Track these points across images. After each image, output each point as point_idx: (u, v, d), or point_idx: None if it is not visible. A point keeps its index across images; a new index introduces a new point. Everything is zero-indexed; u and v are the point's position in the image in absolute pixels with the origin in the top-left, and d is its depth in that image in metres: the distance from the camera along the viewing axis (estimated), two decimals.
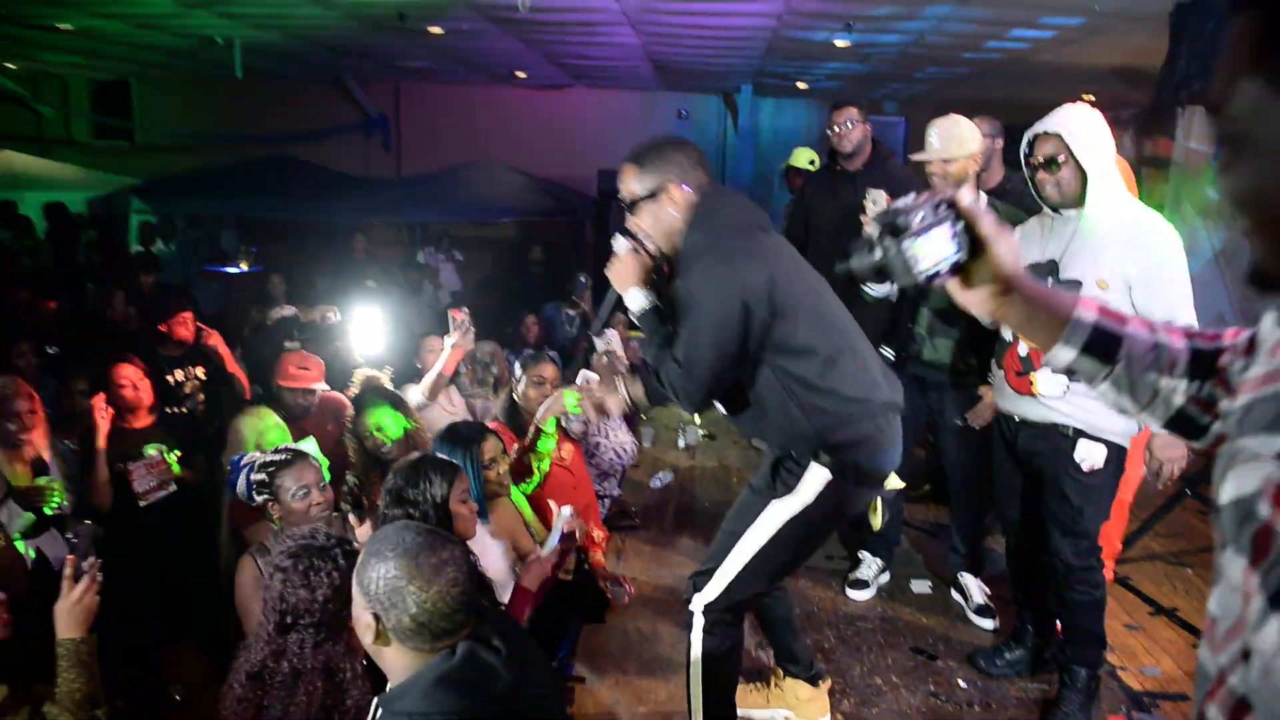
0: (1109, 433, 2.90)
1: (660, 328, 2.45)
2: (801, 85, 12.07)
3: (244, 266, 10.29)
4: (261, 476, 2.74)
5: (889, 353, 3.67)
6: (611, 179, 9.41)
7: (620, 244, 2.50)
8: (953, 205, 1.19)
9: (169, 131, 13.11)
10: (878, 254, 1.23)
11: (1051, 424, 2.96)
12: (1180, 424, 1.25)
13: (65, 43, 9.68)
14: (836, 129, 4.17)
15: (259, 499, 2.78)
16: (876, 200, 3.58)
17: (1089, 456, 2.90)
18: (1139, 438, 3.01)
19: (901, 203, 1.23)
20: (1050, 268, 2.94)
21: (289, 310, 5.82)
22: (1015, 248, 1.24)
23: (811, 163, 6.81)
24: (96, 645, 2.22)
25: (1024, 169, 2.97)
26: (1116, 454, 2.93)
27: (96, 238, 11.35)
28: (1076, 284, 2.84)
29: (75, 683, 2.13)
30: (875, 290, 3.56)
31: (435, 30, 8.12)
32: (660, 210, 2.42)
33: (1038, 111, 3.02)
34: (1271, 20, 0.80)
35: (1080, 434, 2.92)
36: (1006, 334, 3.10)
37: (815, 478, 2.43)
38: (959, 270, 1.22)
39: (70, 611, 2.18)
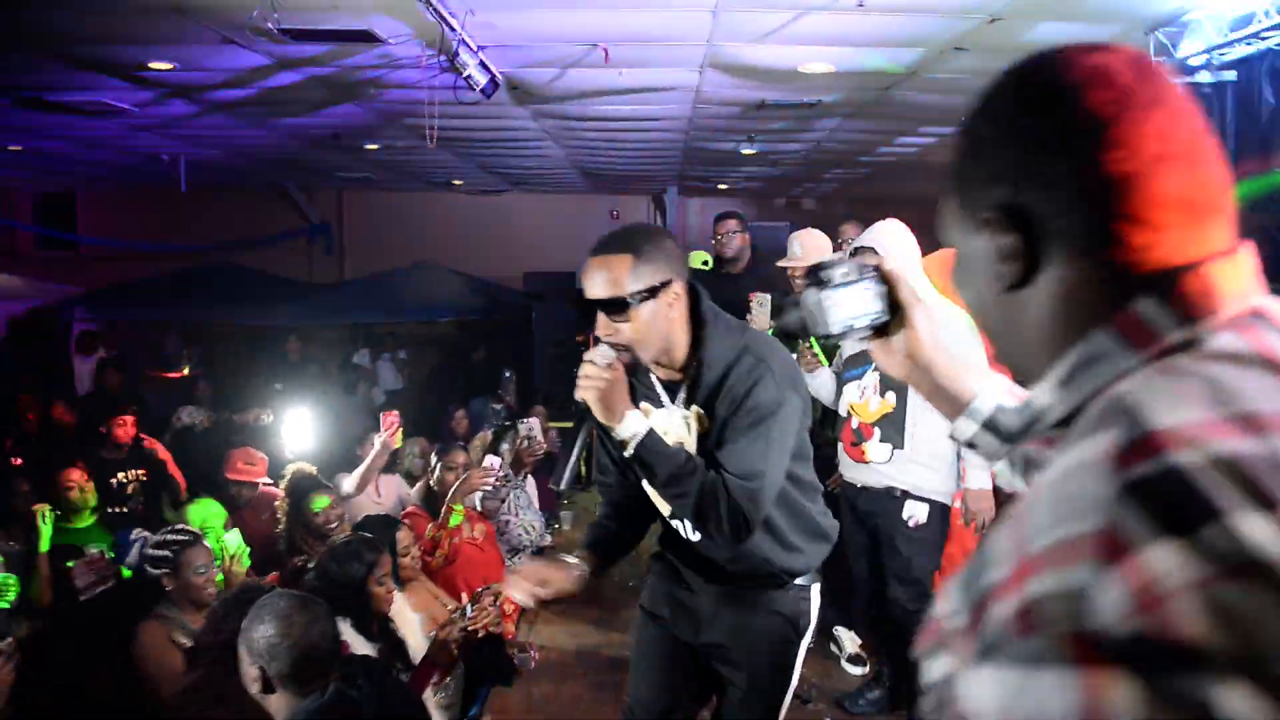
0: (931, 492, 3.40)
1: (680, 453, 2.01)
2: (723, 186, 12.87)
3: (186, 371, 10.57)
4: (164, 553, 3.07)
5: None
6: (538, 280, 9.99)
7: (602, 354, 1.98)
8: (877, 269, 1.21)
9: (113, 241, 13.44)
10: (801, 304, 1.24)
11: (884, 487, 3.45)
12: None
13: (13, 159, 10.09)
14: (720, 238, 4.74)
15: (155, 571, 3.09)
16: (763, 303, 4.08)
17: (914, 513, 3.39)
18: (959, 494, 3.50)
19: (830, 259, 1.34)
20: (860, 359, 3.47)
21: (200, 416, 6.15)
22: (935, 319, 1.23)
23: (705, 263, 7.40)
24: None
25: None
26: (939, 510, 3.42)
27: (36, 346, 11.55)
28: None
29: None
30: None
31: (371, 146, 8.69)
32: (661, 311, 2.00)
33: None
34: (962, 148, 0.83)
35: (907, 494, 3.40)
36: (842, 410, 3.59)
37: (817, 593, 2.30)
38: (880, 332, 1.23)
39: None
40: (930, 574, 3.46)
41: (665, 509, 2.24)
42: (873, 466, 3.45)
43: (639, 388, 2.17)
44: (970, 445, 1.24)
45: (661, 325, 2.01)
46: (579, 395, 1.98)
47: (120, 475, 4.87)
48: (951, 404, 1.23)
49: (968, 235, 0.83)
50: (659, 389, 2.16)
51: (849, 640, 4.23)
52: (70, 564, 3.85)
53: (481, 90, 4.82)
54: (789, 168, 10.49)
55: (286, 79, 5.61)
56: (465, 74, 4.57)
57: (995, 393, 1.21)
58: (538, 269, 12.12)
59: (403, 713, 2.08)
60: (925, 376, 1.24)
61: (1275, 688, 0.49)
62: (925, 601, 3.42)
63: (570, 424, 6.50)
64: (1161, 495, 0.55)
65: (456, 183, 12.31)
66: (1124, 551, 0.54)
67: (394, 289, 11.31)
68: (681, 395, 2.11)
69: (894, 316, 1.21)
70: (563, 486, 2.06)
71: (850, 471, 3.58)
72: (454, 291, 11.37)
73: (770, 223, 10.63)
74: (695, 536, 2.19)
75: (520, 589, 2.13)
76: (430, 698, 2.97)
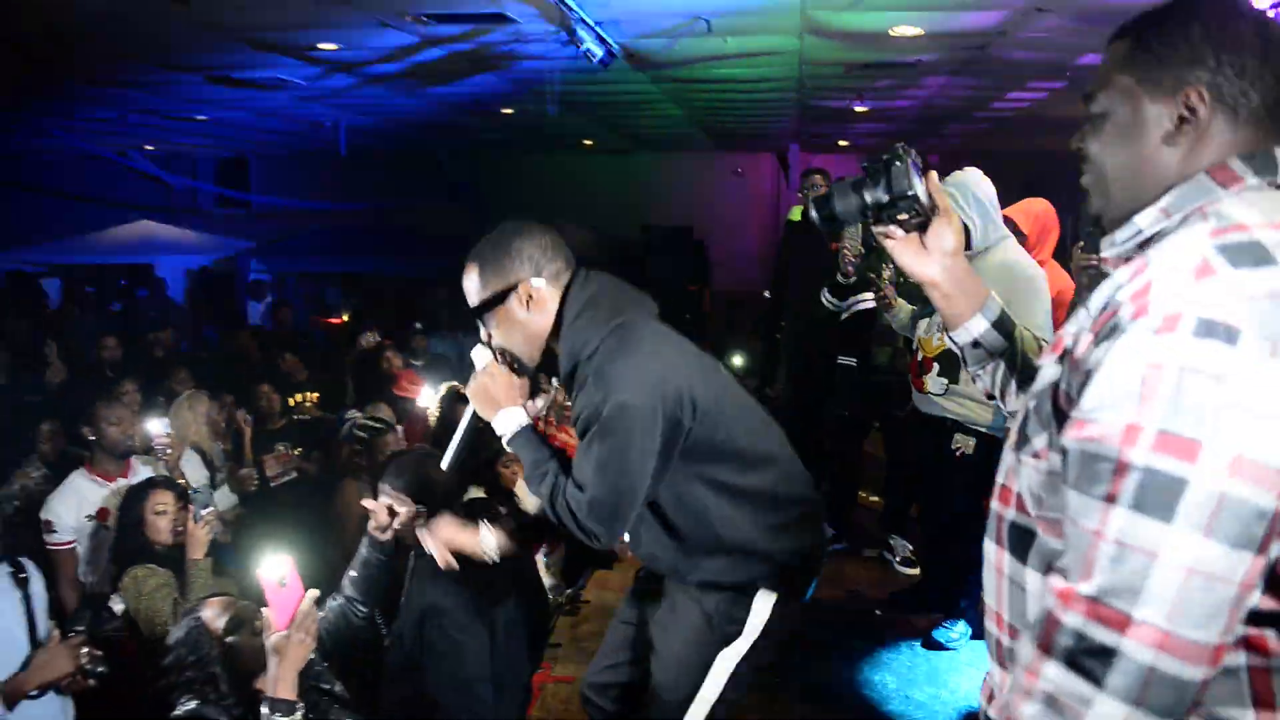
0: (982, 425, 3.71)
1: (543, 452, 2.02)
2: (843, 143, 13.13)
3: (345, 317, 11.76)
4: (364, 434, 3.94)
5: (851, 360, 4.70)
6: (655, 233, 10.69)
7: (480, 356, 2.11)
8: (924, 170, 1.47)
9: (281, 200, 14.84)
10: (882, 186, 1.44)
11: (937, 417, 3.82)
12: None
13: (198, 129, 11.40)
14: (806, 191, 5.25)
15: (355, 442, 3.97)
16: (853, 234, 4.51)
17: (962, 445, 3.73)
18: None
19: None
20: None
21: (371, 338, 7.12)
22: (959, 228, 1.49)
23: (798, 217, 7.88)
24: None
25: None
26: (988, 443, 3.68)
27: (216, 293, 13.07)
28: None
29: None
30: (835, 304, 4.63)
31: (506, 111, 9.48)
32: (513, 316, 2.02)
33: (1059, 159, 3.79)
34: (1135, 41, 1.16)
35: (957, 425, 3.74)
36: (914, 343, 4.07)
37: (763, 607, 2.07)
38: (921, 226, 1.47)
39: None
40: (974, 500, 3.70)
41: None
42: (929, 397, 3.85)
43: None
44: (975, 344, 1.52)
45: (519, 326, 2.03)
46: (467, 392, 2.11)
47: (298, 395, 5.84)
48: (968, 302, 1.50)
49: (1142, 103, 1.15)
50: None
51: (901, 546, 4.75)
52: (263, 457, 4.79)
53: (599, 61, 5.45)
54: (905, 124, 10.71)
55: (432, 54, 6.39)
56: (584, 47, 5.21)
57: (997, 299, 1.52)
58: (656, 223, 12.77)
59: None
60: (951, 274, 1.49)
61: None
62: (961, 524, 3.78)
63: None
64: (1235, 245, 1.00)
65: (586, 142, 13.03)
66: (1210, 271, 0.99)
67: None
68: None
69: (933, 213, 1.47)
70: (444, 467, 2.19)
71: (915, 399, 4.02)
72: (579, 245, 12.12)
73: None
74: None
75: (431, 545, 2.33)
76: (540, 561, 3.68)
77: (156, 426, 3.87)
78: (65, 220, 13.93)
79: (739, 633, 2.08)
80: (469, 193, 14.75)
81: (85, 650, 2.44)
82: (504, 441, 2.07)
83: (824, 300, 4.73)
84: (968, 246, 3.72)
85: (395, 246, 12.50)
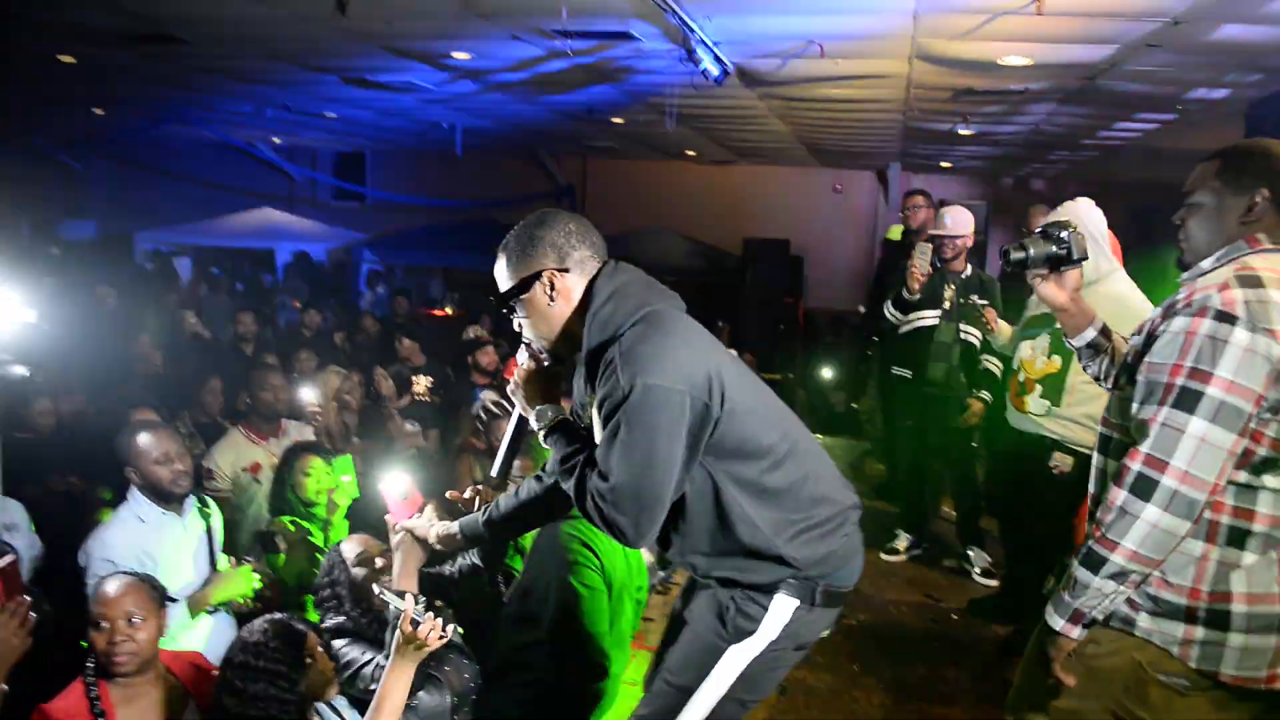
0: (1080, 445, 3.81)
1: (576, 447, 2.01)
2: (945, 164, 13.16)
3: (449, 311, 12.30)
4: (497, 411, 4.27)
5: (905, 372, 4.92)
6: (755, 245, 11.01)
7: (523, 355, 2.15)
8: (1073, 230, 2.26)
9: (394, 195, 15.55)
10: (1057, 243, 2.24)
11: (1037, 435, 3.96)
12: None
13: (325, 124, 12.08)
14: (907, 212, 5.47)
15: (486, 416, 4.29)
16: (924, 251, 4.82)
17: (1060, 463, 3.87)
18: None
19: (1054, 222, 2.30)
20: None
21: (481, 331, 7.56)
22: (1081, 271, 2.29)
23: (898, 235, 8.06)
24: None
25: None
26: (1085, 462, 3.89)
27: (333, 280, 13.79)
28: None
29: None
30: (897, 318, 4.89)
31: (617, 120, 9.86)
32: (536, 304, 2.02)
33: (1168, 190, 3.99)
34: (1226, 162, 1.98)
35: (1056, 445, 3.88)
36: (1014, 364, 4.23)
37: (781, 610, 2.04)
38: (1056, 268, 2.25)
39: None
40: (1064, 516, 3.88)
41: None
42: (1029, 416, 3.97)
43: (576, 379, 2.17)
44: (1088, 346, 2.28)
45: (543, 315, 2.02)
46: (509, 392, 2.16)
47: (415, 378, 6.27)
48: (1085, 319, 2.29)
49: (1227, 198, 1.98)
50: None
51: (979, 557, 4.92)
52: None
53: (714, 79, 5.75)
54: (1010, 148, 10.73)
55: (555, 66, 6.77)
56: (701, 67, 5.52)
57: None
58: (756, 235, 13.00)
59: None
60: (1075, 302, 2.26)
61: None
62: (1050, 539, 3.91)
63: (777, 376, 7.58)
64: (1243, 276, 1.88)
65: (690, 153, 13.35)
66: (1228, 288, 1.87)
67: (626, 246, 12.57)
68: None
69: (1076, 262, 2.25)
70: (494, 475, 2.21)
71: (1011, 417, 4.17)
72: (678, 252, 12.48)
73: (971, 201, 10.89)
74: None
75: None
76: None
77: (309, 394, 4.31)
78: (196, 204, 14.90)
79: (752, 631, 2.04)
80: (573, 196, 15.23)
81: (256, 575, 2.84)
82: (540, 435, 2.08)
83: (887, 314, 4.97)
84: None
85: (499, 244, 13.00)
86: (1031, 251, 2.24)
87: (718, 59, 5.67)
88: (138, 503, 2.96)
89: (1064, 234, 2.22)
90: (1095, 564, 1.90)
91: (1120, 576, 1.89)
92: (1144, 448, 1.87)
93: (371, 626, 2.54)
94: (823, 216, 14.27)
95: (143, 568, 2.56)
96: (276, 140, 14.90)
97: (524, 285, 2.01)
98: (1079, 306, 2.29)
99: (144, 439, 2.96)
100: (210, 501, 3.17)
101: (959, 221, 4.76)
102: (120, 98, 10.15)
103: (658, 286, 2.08)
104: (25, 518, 3.33)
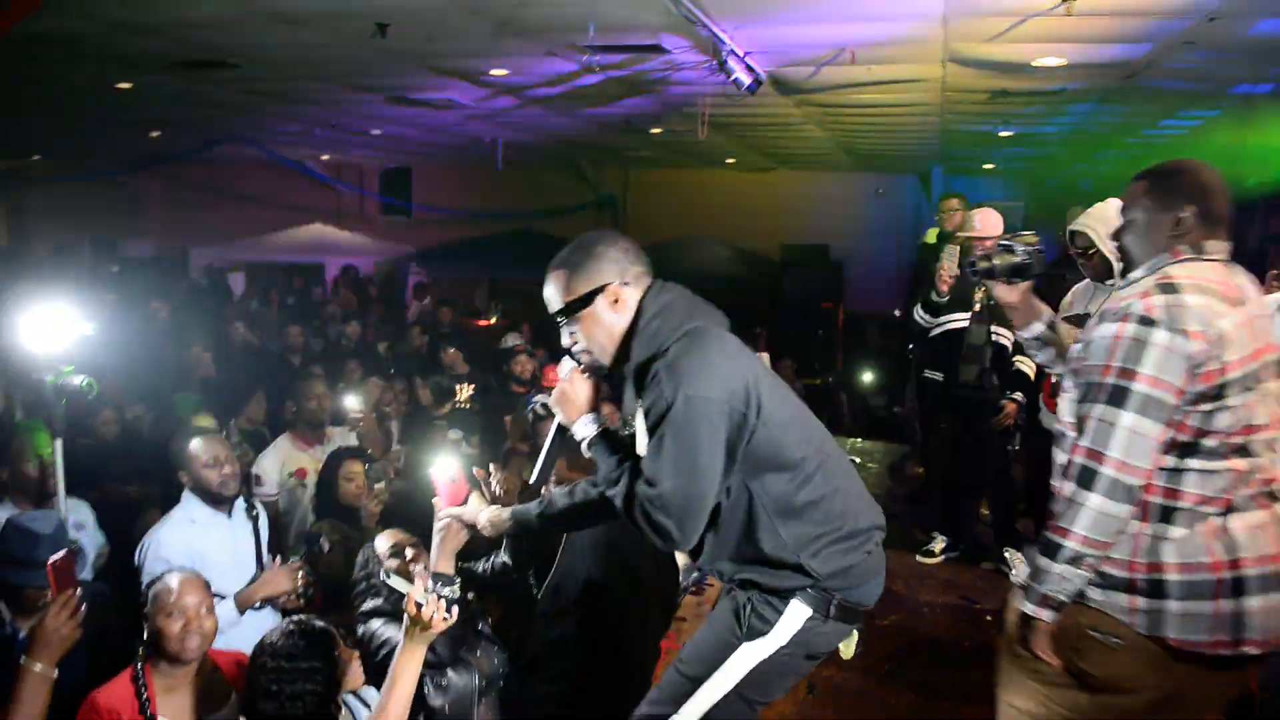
0: None
1: (620, 457, 2.13)
2: (988, 166, 13.07)
3: (493, 320, 12.49)
4: (545, 413, 4.37)
5: (937, 375, 4.93)
6: (793, 251, 11.04)
7: (564, 367, 2.26)
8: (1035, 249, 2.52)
9: (439, 209, 15.83)
10: (1019, 256, 2.49)
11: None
12: None
13: (370, 141, 12.35)
14: (942, 214, 5.48)
15: (533, 418, 4.38)
16: (951, 253, 4.84)
17: None
18: None
19: (1008, 238, 2.57)
20: (1085, 319, 4.11)
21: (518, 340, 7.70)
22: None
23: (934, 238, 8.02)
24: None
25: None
26: None
27: (379, 293, 14.09)
28: None
29: None
30: (928, 321, 4.89)
31: (655, 130, 9.97)
32: (598, 317, 2.12)
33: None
34: (1154, 182, 2.19)
35: None
36: (1052, 371, 4.24)
37: (795, 616, 2.12)
38: (1020, 278, 2.50)
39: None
40: None
41: None
42: (1060, 417, 4.07)
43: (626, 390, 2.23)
44: (1035, 338, 2.53)
45: (605, 326, 2.12)
46: (550, 403, 2.26)
47: (459, 386, 6.42)
48: (1034, 314, 2.54)
49: (1155, 215, 2.16)
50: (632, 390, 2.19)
51: (1015, 559, 4.90)
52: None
53: (746, 89, 5.82)
54: (1052, 148, 10.65)
55: (590, 80, 6.89)
56: (732, 77, 5.60)
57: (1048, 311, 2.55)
58: (794, 241, 13.02)
59: None
60: (1023, 300, 2.51)
61: None
62: None
63: (817, 381, 7.61)
64: (1162, 284, 2.11)
65: (730, 161, 13.42)
66: (1149, 295, 2.09)
67: (668, 255, 12.67)
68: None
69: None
70: (533, 482, 2.33)
71: (1044, 418, 4.21)
72: (719, 259, 12.54)
73: (1006, 203, 10.76)
74: None
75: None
76: None
77: (353, 402, 4.47)
78: (248, 221, 15.32)
79: (765, 632, 2.13)
80: (614, 206, 15.37)
81: (301, 574, 2.97)
82: (583, 446, 2.18)
83: (917, 317, 4.99)
84: (1109, 277, 3.86)
85: (542, 255, 13.11)
86: (996, 264, 2.51)
87: (749, 68, 5.74)
88: (190, 504, 3.13)
89: (1024, 249, 2.48)
90: (1053, 551, 2.09)
91: (1076, 560, 2.08)
92: (1083, 442, 2.09)
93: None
94: (864, 221, 14.23)
95: (193, 565, 2.70)
96: (324, 157, 15.27)
97: (588, 298, 2.11)
98: (1028, 304, 2.54)
99: (195, 445, 3.12)
100: (257, 504, 3.32)
101: (987, 223, 4.78)
102: (175, 121, 10.50)
103: (702, 305, 2.20)
104: (92, 517, 3.53)
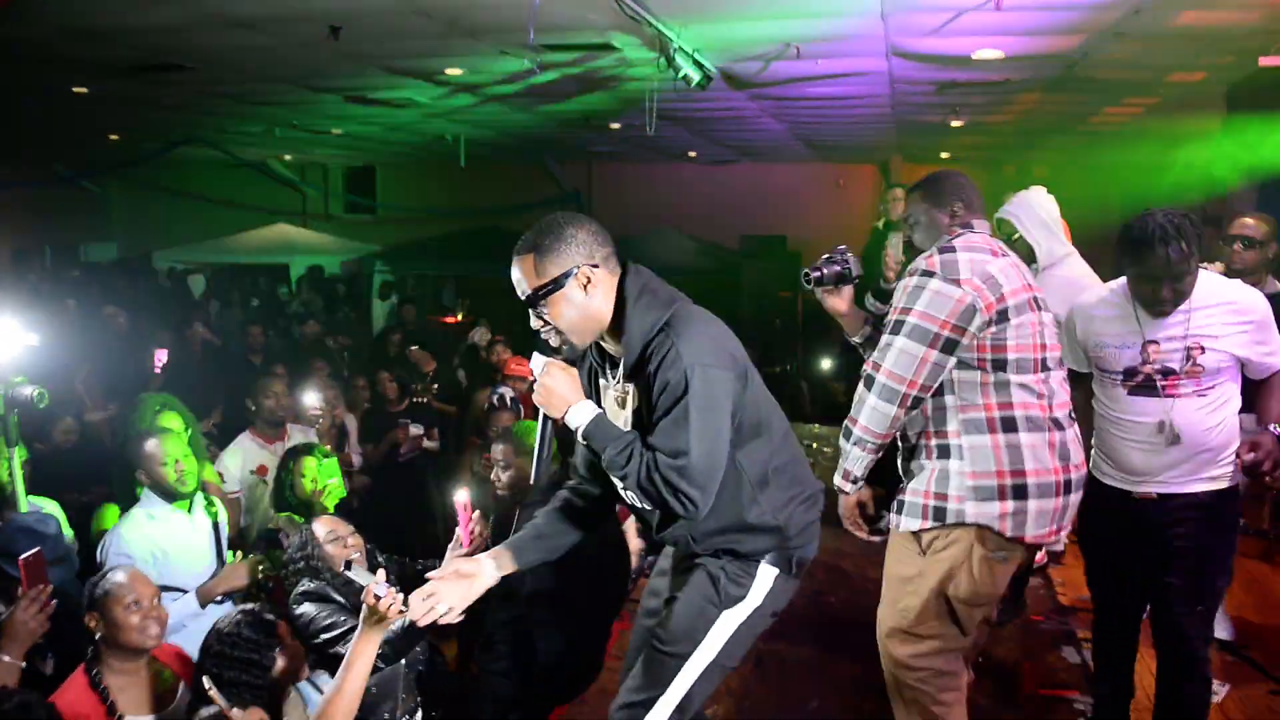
0: None
1: (623, 434, 2.14)
2: (945, 155, 13.29)
3: (460, 317, 12.57)
4: (496, 404, 4.45)
5: None
6: (751, 242, 11.20)
7: (537, 362, 2.22)
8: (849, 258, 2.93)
9: (404, 207, 15.85)
10: (839, 266, 2.89)
11: None
12: None
13: (332, 141, 12.40)
14: (888, 204, 5.64)
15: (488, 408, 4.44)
16: (894, 243, 4.98)
17: None
18: None
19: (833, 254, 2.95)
20: None
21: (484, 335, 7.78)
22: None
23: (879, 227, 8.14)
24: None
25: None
26: None
27: (345, 292, 14.10)
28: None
29: None
30: (880, 308, 5.00)
31: (615, 125, 10.08)
32: (569, 299, 2.12)
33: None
34: (927, 190, 2.80)
35: None
36: None
37: (765, 577, 2.26)
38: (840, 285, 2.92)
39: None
40: None
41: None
42: None
43: (594, 367, 2.31)
44: (866, 341, 2.96)
45: (578, 310, 2.12)
46: (535, 401, 2.21)
47: (417, 385, 6.51)
48: (860, 321, 3.01)
49: (934, 213, 2.75)
50: (608, 368, 2.27)
51: None
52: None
53: (695, 85, 5.94)
54: (1004, 137, 10.86)
55: (545, 77, 7.00)
56: (681, 74, 5.72)
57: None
58: (753, 233, 13.18)
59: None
60: (850, 308, 2.95)
61: None
62: None
63: (776, 369, 7.71)
64: (943, 247, 2.67)
65: (692, 154, 13.56)
66: (932, 256, 2.68)
67: (634, 248, 12.79)
68: (619, 373, 2.21)
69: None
70: (533, 481, 2.36)
71: None
72: (681, 251, 12.69)
73: None
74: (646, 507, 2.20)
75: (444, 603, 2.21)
76: (629, 527, 4.17)
77: (312, 399, 4.55)
78: (212, 223, 15.28)
79: (742, 596, 2.24)
80: (579, 200, 15.47)
81: (260, 568, 3.07)
82: (579, 434, 2.16)
83: (868, 305, 5.12)
84: (1032, 262, 4.03)
85: (508, 251, 13.23)
86: (825, 273, 2.90)
87: (699, 65, 5.86)
88: (149, 501, 3.21)
89: (845, 257, 2.91)
90: (846, 435, 2.69)
91: (861, 443, 2.66)
92: (872, 358, 2.66)
93: (344, 589, 2.79)
94: (824, 211, 14.42)
95: (155, 561, 2.80)
96: (287, 157, 15.25)
97: (559, 282, 2.10)
98: (854, 311, 3.02)
99: (150, 444, 3.20)
100: (216, 500, 3.41)
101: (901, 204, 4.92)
102: (134, 124, 10.49)
103: (669, 284, 2.26)
104: (63, 516, 3.58)
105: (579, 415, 2.15)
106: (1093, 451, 3.03)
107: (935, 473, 2.64)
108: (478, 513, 2.74)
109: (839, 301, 2.96)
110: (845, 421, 2.68)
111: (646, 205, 14.57)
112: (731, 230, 13.94)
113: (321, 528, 2.93)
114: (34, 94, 8.05)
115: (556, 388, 2.16)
